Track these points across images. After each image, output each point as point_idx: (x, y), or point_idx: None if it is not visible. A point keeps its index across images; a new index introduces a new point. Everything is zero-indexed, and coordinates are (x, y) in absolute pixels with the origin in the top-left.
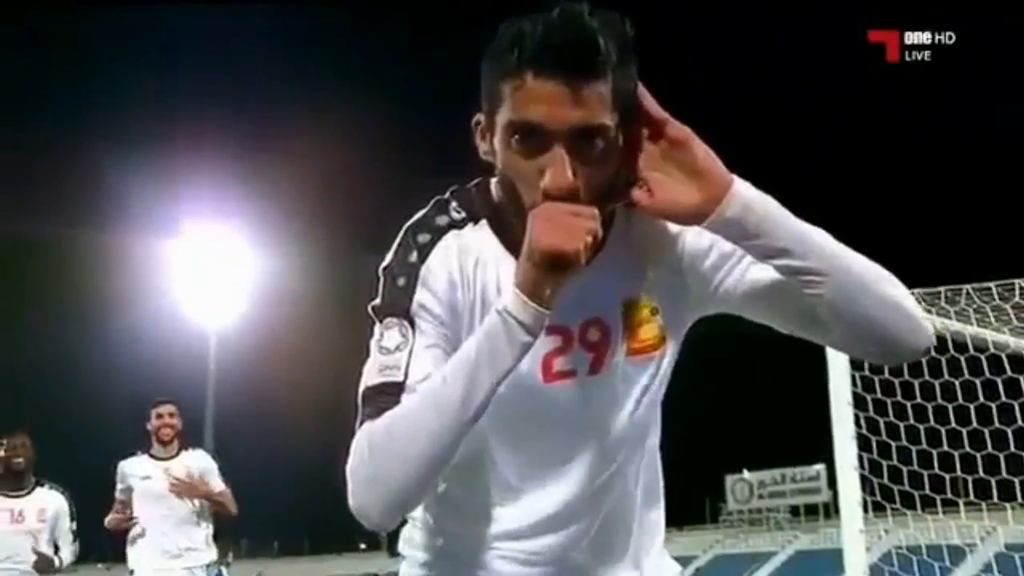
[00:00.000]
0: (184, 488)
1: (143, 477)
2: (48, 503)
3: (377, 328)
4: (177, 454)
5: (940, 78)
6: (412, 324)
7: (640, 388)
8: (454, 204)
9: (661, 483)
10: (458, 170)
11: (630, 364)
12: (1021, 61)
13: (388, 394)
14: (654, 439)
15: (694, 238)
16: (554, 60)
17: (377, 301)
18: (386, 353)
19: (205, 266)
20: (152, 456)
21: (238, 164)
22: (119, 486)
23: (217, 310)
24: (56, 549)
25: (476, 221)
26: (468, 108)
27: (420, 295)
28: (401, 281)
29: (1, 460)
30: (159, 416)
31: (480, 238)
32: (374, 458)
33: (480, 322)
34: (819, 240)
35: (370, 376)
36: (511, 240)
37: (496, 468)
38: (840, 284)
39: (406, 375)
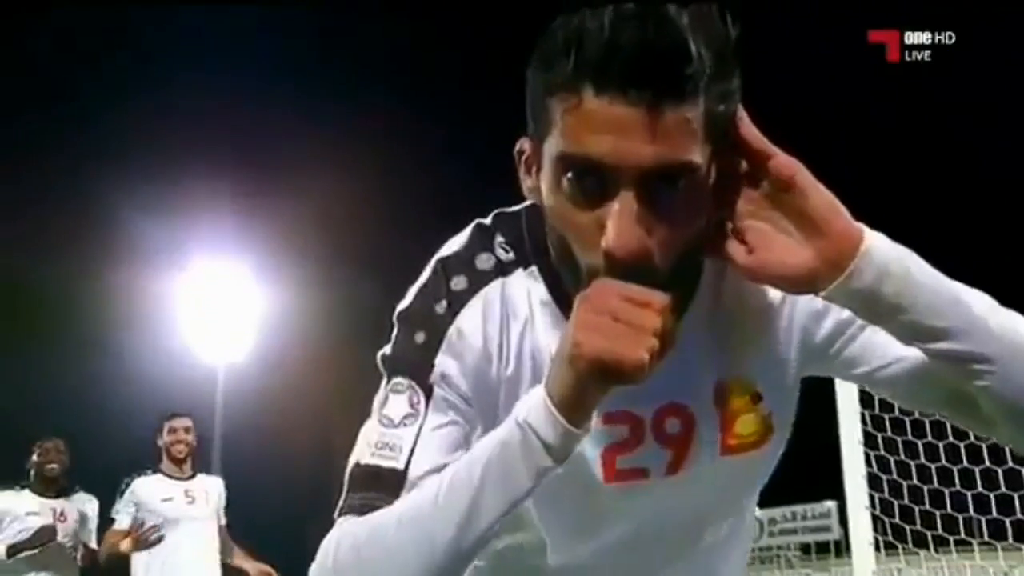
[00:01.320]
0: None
1: (164, 499)
2: (85, 507)
3: (383, 386)
4: (193, 475)
5: (940, 78)
6: (427, 394)
7: (737, 483)
8: (500, 240)
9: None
10: (473, 209)
11: (723, 463)
12: (1021, 61)
13: (381, 485)
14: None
15: (806, 297)
16: (624, 72)
17: (388, 351)
18: (388, 425)
19: (212, 301)
20: (167, 475)
21: (245, 199)
22: (125, 510)
23: (224, 345)
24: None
25: (527, 264)
26: (482, 140)
27: (443, 362)
28: (420, 337)
29: (35, 465)
30: (172, 431)
31: (532, 290)
32: None
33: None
34: (981, 312)
35: (364, 450)
36: (568, 301)
37: (551, 551)
38: (1014, 373)
39: (408, 461)
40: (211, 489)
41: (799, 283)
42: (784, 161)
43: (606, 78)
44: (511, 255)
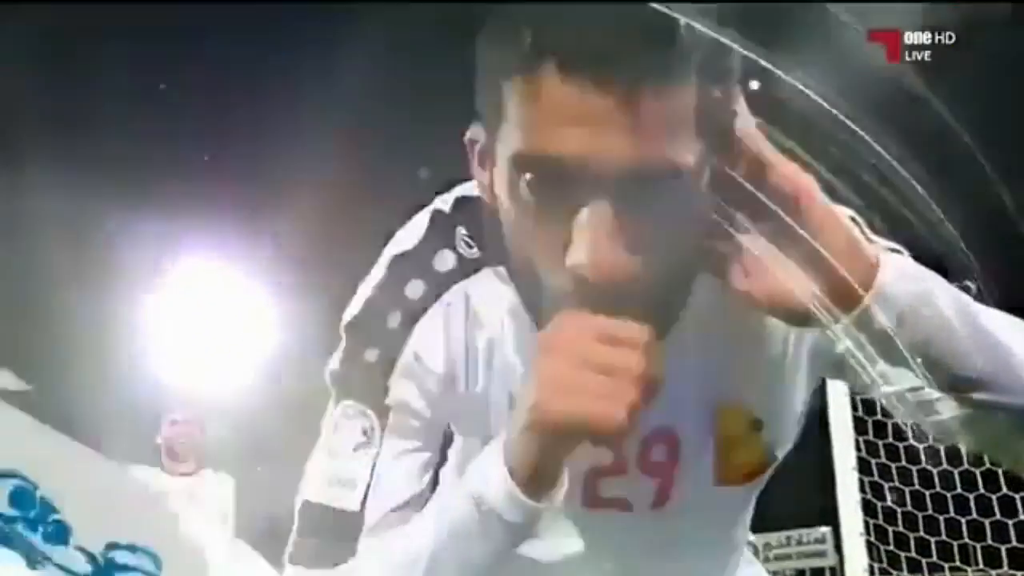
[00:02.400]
0: None
1: (159, 493)
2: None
3: (331, 408)
4: (196, 472)
5: (940, 78)
6: (382, 419)
7: (729, 514)
8: (463, 232)
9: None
10: None
11: (717, 493)
12: (1021, 61)
13: (333, 528)
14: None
15: None
16: (596, 50)
17: (336, 367)
18: (339, 456)
19: (202, 320)
20: (167, 472)
21: (237, 218)
22: None
23: (215, 365)
24: None
25: (494, 262)
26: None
27: (399, 386)
28: (372, 355)
29: None
30: (173, 423)
31: (500, 294)
32: None
33: (491, 424)
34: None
35: (314, 483)
36: (538, 311)
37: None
38: None
39: (364, 500)
40: (221, 485)
41: (800, 317)
42: (791, 175)
43: (573, 59)
44: (475, 251)
